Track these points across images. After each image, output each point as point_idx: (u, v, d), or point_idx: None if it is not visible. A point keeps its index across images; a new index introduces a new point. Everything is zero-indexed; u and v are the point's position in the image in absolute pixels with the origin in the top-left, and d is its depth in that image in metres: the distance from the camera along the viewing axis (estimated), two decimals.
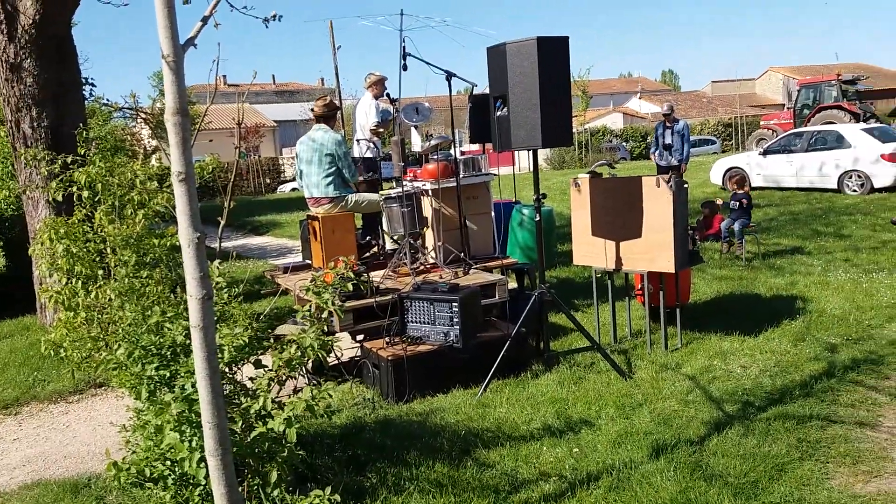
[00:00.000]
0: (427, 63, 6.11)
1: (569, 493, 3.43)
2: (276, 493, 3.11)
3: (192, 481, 3.07)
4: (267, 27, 2.91)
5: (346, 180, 6.51)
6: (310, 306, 3.63)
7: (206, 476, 2.78)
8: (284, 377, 3.29)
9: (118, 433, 3.57)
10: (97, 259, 4.67)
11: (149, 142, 26.86)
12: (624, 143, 39.39)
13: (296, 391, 3.44)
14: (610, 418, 4.33)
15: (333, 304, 3.47)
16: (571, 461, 3.77)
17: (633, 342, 5.95)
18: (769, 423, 4.10)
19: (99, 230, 4.76)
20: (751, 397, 4.54)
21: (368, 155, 8.41)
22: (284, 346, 3.34)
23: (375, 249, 7.56)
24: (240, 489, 2.99)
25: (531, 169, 5.44)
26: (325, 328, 3.52)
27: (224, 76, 45.60)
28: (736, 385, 4.76)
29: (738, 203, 9.25)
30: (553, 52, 4.78)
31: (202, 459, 2.86)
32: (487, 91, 5.30)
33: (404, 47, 6.00)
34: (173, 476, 3.11)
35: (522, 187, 15.19)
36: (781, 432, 3.96)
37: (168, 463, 3.09)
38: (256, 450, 3.12)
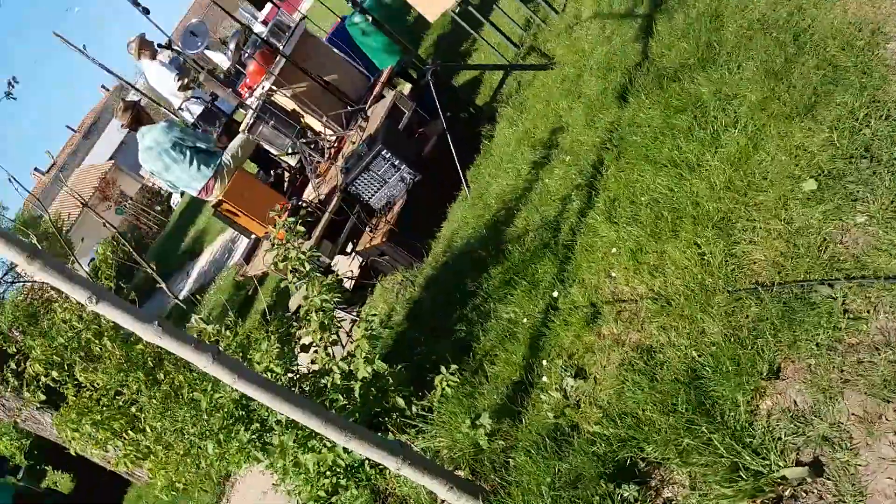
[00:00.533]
0: None
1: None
2: (413, 409, 3.25)
3: (355, 466, 3.21)
4: None
5: (208, 149, 6.12)
6: (292, 270, 3.57)
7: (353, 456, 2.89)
8: (330, 339, 3.30)
9: (276, 492, 3.70)
10: (120, 405, 4.64)
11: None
12: None
13: (350, 335, 3.48)
14: (571, 109, 4.33)
15: (302, 253, 3.39)
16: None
17: (531, 34, 5.79)
18: None
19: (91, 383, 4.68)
20: None
21: (199, 109, 7.82)
22: (306, 319, 3.32)
23: (286, 173, 7.28)
24: (388, 434, 3.13)
25: None
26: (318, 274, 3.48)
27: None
28: None
29: None
30: None
31: (343, 449, 2.96)
32: None
33: None
34: (343, 475, 3.25)
35: (335, 5, 14.21)
36: None
37: (328, 473, 3.21)
38: (369, 403, 3.21)
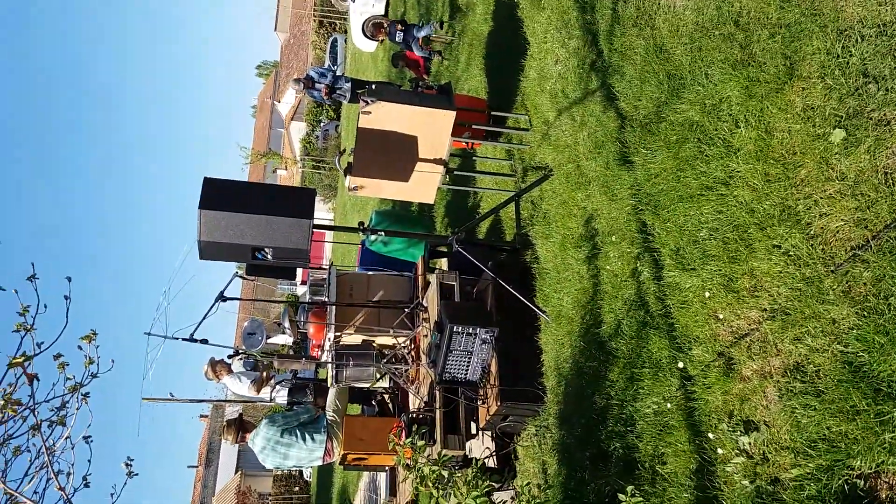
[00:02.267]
0: None
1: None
2: None
3: None
4: None
5: (311, 418, 6.27)
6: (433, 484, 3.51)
7: None
8: None
9: None
10: None
11: None
12: None
13: None
14: (588, 196, 4.39)
15: (434, 463, 3.35)
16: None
17: (517, 159, 6.02)
18: None
19: None
20: None
21: (285, 392, 8.10)
22: None
23: (385, 395, 7.37)
24: None
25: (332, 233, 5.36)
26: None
27: None
28: None
29: None
30: (214, 191, 4.69)
31: None
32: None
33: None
34: None
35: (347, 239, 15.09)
36: None
37: None
38: None
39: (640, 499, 2.95)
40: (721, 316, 2.98)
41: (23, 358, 3.90)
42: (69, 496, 3.50)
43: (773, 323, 2.65)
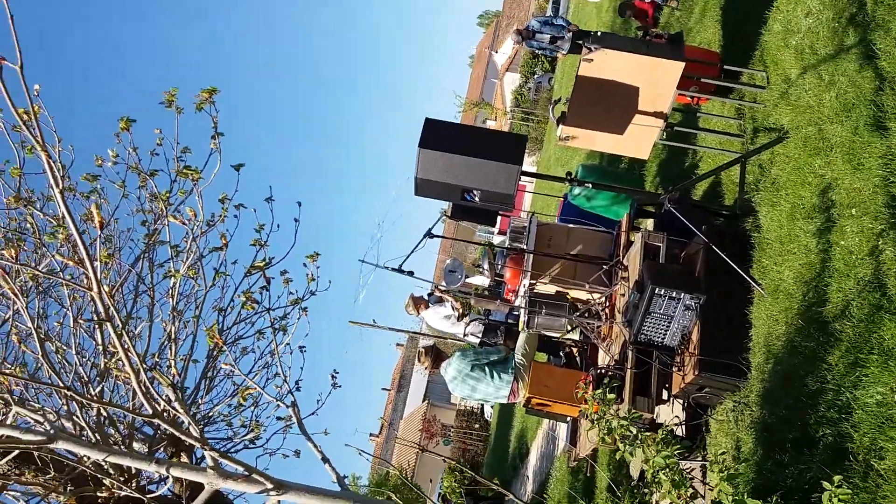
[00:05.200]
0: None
1: None
2: None
3: None
4: None
5: (500, 359, 6.48)
6: (621, 438, 3.50)
7: None
8: (688, 495, 3.09)
9: None
10: None
11: None
12: None
13: (706, 482, 3.23)
14: (829, 163, 3.98)
15: (623, 419, 3.33)
16: None
17: (748, 119, 5.59)
18: None
19: None
20: None
21: (478, 330, 8.41)
22: (655, 482, 3.17)
23: (573, 349, 7.38)
24: None
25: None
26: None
27: None
28: None
29: None
30: (433, 131, 4.91)
31: None
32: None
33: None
34: None
35: (551, 190, 15.08)
36: None
37: None
38: None
39: (849, 491, 2.73)
40: None
41: (263, 263, 4.47)
42: (291, 388, 3.97)
43: None
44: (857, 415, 3.08)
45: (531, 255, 6.48)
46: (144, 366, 3.31)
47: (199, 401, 5.79)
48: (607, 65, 5.14)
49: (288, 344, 5.10)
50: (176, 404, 3.05)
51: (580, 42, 7.05)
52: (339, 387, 6.05)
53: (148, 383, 3.49)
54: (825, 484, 2.73)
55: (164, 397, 3.25)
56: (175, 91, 3.99)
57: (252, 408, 6.17)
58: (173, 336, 4.52)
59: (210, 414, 6.10)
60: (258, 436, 5.92)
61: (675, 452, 3.28)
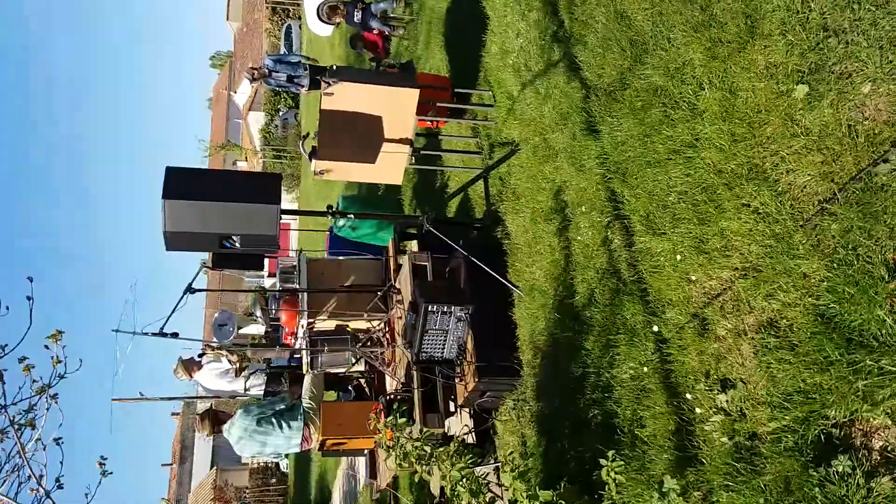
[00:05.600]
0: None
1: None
2: None
3: None
4: None
5: (287, 406, 6.20)
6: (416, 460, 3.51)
7: None
8: (487, 499, 3.17)
9: None
10: None
11: None
12: None
13: (501, 483, 3.34)
14: (557, 169, 4.40)
15: (416, 440, 3.34)
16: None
17: (483, 136, 6.00)
18: None
19: None
20: None
21: (260, 381, 7.99)
22: (455, 496, 3.21)
23: (361, 380, 7.33)
24: None
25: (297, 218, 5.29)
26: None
27: None
28: None
29: None
30: (177, 180, 4.58)
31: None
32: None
33: None
34: None
35: (314, 225, 14.97)
36: None
37: None
38: None
39: (621, 463, 2.99)
40: (693, 278, 3.01)
41: None
42: (48, 492, 3.41)
43: (746, 281, 2.68)
44: (617, 391, 3.40)
45: (305, 294, 6.32)
46: None
47: None
48: (347, 97, 5.20)
49: (38, 440, 4.40)
50: None
51: (318, 77, 7.09)
52: (111, 473, 5.35)
53: None
54: (601, 461, 2.96)
55: None
56: None
57: None
58: None
59: None
60: None
61: (469, 462, 3.36)
